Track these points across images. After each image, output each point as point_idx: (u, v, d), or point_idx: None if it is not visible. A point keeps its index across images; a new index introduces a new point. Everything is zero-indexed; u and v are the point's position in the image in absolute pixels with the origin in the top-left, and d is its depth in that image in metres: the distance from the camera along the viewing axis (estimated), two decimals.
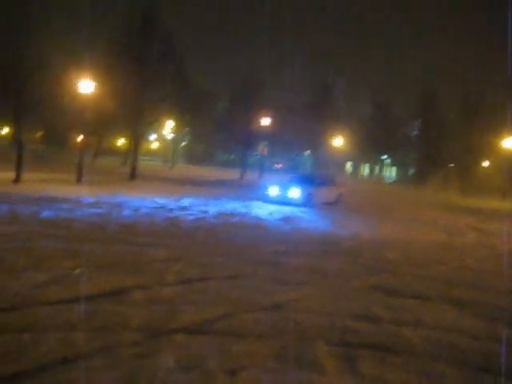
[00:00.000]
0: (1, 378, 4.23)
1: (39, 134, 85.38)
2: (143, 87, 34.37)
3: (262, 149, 62.16)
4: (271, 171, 75.06)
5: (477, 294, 8.33)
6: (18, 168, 23.36)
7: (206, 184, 33.82)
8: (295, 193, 23.79)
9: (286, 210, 20.64)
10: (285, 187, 24.24)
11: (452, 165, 72.39)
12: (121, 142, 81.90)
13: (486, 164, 64.94)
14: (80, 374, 4.32)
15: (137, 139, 37.42)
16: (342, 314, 6.51)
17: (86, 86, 28.07)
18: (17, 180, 23.08)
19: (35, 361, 4.52)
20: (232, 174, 48.43)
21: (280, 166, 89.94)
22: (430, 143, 67.34)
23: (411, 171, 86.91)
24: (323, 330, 5.84)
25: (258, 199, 24.17)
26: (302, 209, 21.62)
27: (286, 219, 17.01)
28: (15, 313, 5.50)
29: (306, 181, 25.72)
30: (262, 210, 19.55)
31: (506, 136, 50.89)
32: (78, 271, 7.47)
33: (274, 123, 53.47)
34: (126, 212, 15.28)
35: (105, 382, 4.24)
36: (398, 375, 4.80)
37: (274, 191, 24.39)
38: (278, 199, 23.80)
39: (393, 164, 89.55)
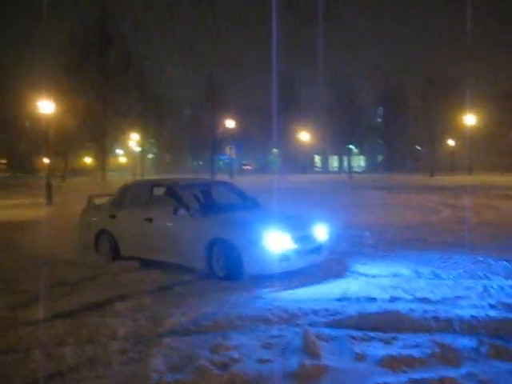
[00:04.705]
0: None
1: (3, 161, 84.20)
2: (105, 102, 34.15)
3: (230, 151, 62.15)
4: (241, 173, 75.17)
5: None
6: None
7: None
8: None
9: None
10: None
11: (419, 148, 73.63)
12: (88, 160, 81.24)
13: (452, 143, 66.10)
14: None
15: (104, 156, 37.15)
16: None
17: (47, 106, 27.73)
18: None
19: None
20: None
21: (249, 166, 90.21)
22: (396, 128, 68.44)
23: (379, 159, 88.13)
24: None
25: None
26: None
27: None
28: None
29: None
30: None
31: (468, 113, 52.54)
32: None
33: (238, 124, 53.65)
34: None
35: None
36: None
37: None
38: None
39: (360, 153, 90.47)
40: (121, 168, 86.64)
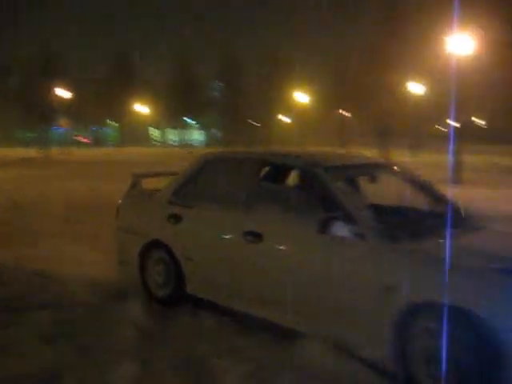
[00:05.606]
0: None
1: None
2: None
3: (62, 122, 59.16)
4: (78, 146, 71.77)
5: None
6: None
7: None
8: None
9: None
10: None
11: (251, 122, 75.58)
12: None
13: (287, 119, 68.59)
14: None
15: None
16: None
17: None
18: None
19: None
20: (34, 153, 45.25)
21: (86, 139, 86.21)
22: (232, 103, 69.49)
23: (219, 133, 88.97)
24: None
25: None
26: None
27: None
28: None
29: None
30: None
31: (299, 90, 55.15)
32: None
33: (73, 95, 51.57)
34: None
35: None
36: None
37: None
38: None
39: (200, 128, 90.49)
40: None
